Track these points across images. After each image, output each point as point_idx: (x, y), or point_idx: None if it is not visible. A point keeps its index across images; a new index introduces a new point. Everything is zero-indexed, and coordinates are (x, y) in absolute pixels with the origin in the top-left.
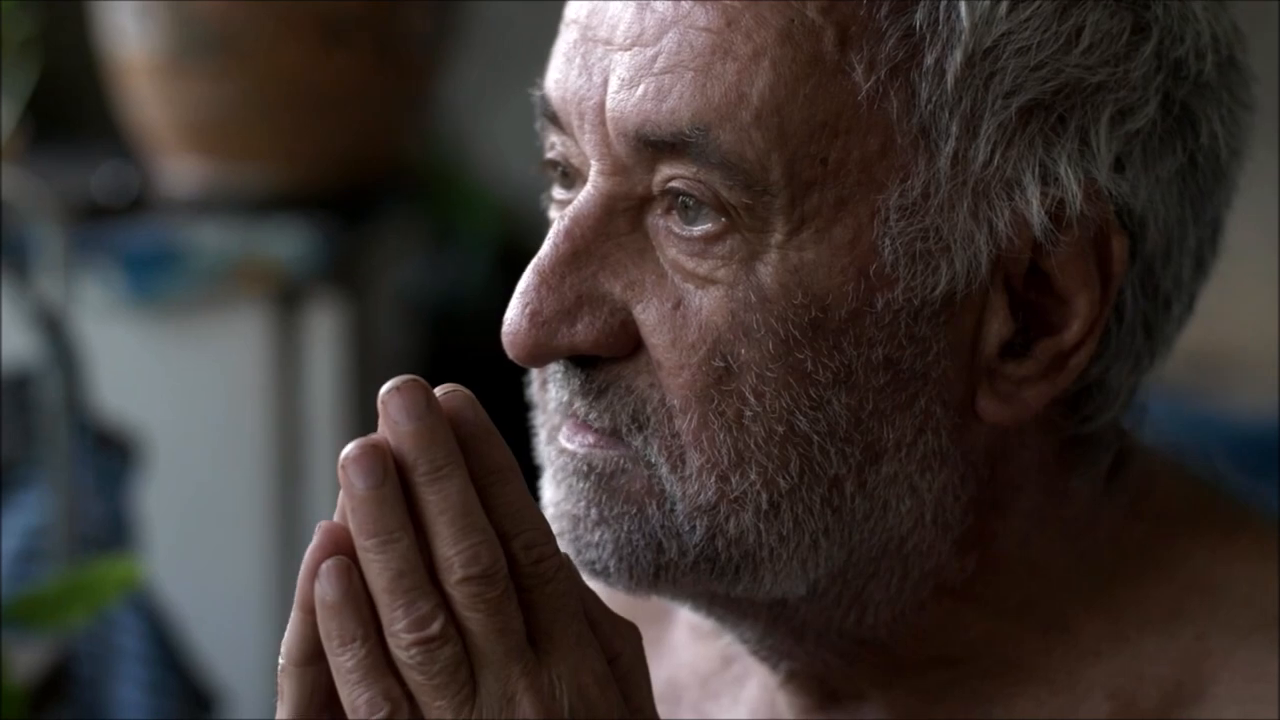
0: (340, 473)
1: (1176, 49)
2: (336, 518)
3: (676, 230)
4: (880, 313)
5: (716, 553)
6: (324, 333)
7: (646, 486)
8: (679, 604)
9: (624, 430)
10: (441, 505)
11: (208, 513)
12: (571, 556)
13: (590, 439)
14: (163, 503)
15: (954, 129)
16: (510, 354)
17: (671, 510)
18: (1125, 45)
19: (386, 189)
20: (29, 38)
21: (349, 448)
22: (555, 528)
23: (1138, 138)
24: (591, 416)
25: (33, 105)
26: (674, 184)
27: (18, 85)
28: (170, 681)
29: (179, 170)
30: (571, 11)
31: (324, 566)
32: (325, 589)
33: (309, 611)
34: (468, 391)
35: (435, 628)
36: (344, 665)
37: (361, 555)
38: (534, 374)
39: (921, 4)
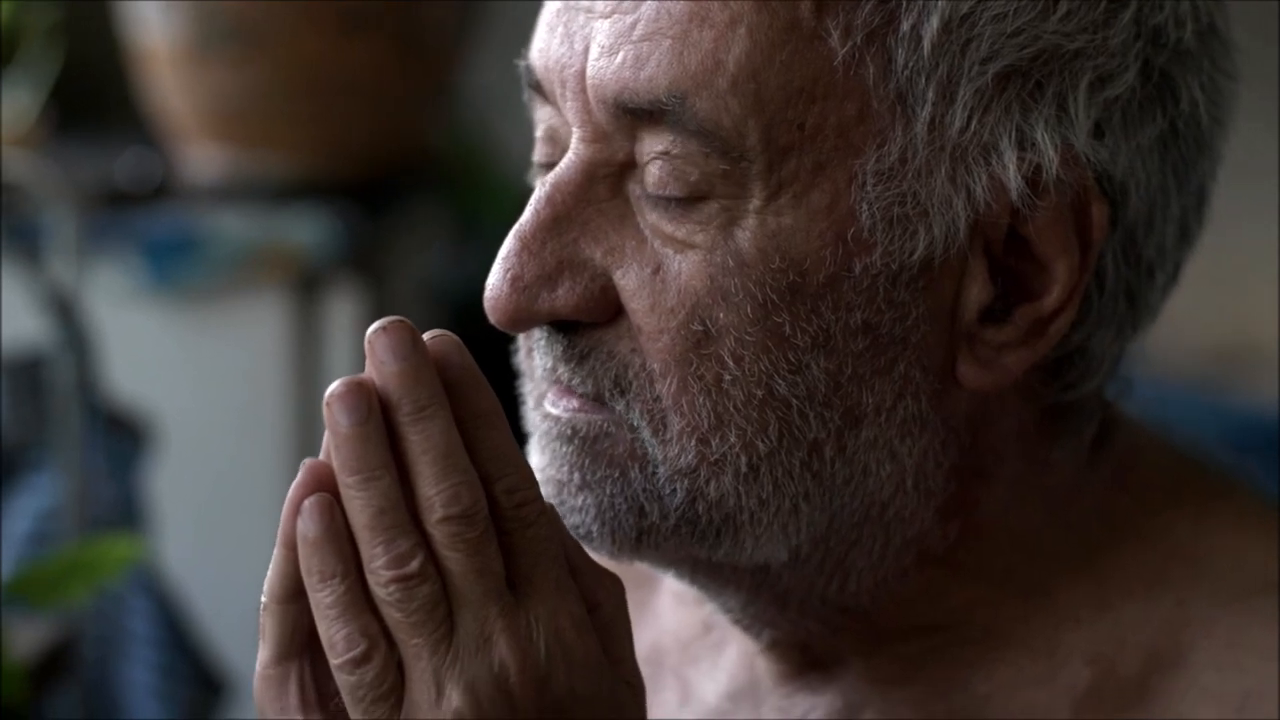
0: (325, 409)
1: (1155, 16)
2: (322, 456)
3: (656, 195)
4: (858, 277)
5: (697, 515)
6: (343, 320)
7: (629, 450)
8: (663, 571)
9: (606, 395)
10: (424, 445)
11: (226, 499)
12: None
13: (574, 404)
14: (181, 488)
15: (930, 95)
16: (492, 319)
17: (653, 473)
18: (1104, 12)
19: (407, 177)
20: (54, 26)
21: (335, 385)
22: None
23: (1117, 104)
24: (575, 382)
25: (57, 93)
26: (652, 155)
27: (43, 73)
28: (180, 665)
29: (201, 158)
30: None
31: (306, 503)
32: (307, 525)
33: (291, 548)
34: (455, 337)
35: (414, 565)
36: (323, 601)
37: (344, 492)
38: (520, 342)
39: None
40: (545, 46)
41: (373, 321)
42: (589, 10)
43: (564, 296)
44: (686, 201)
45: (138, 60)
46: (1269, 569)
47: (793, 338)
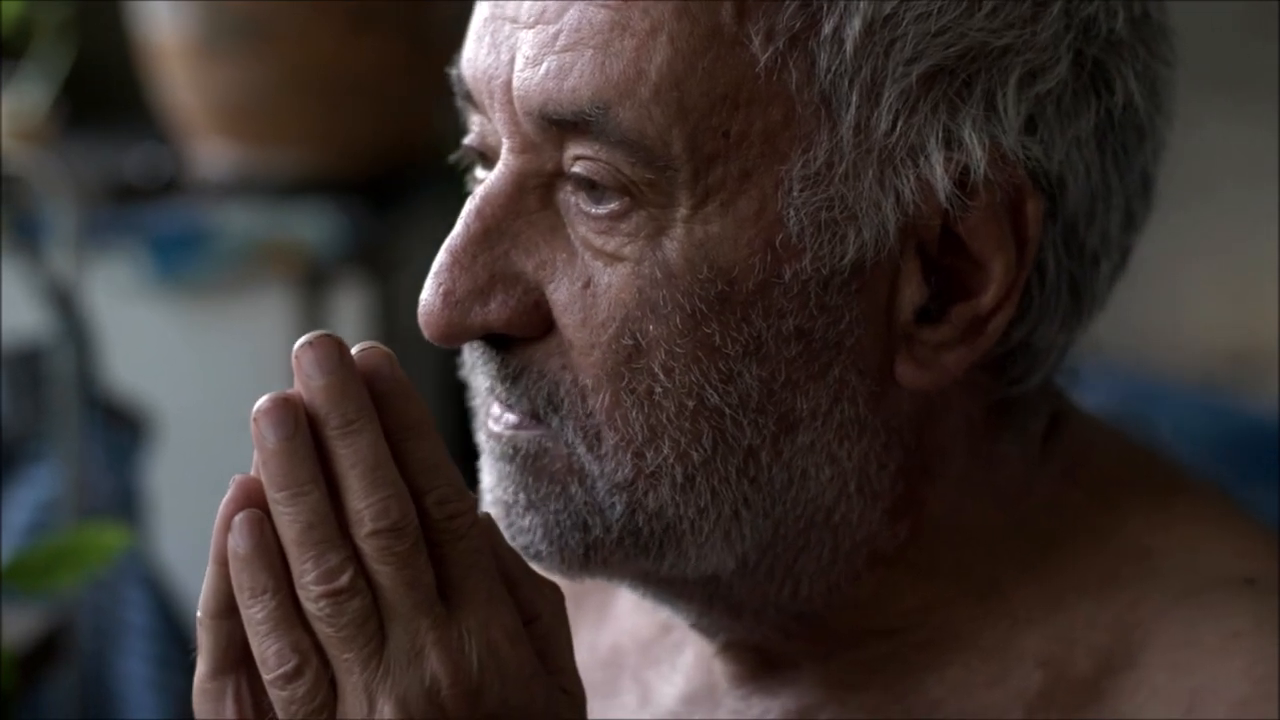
0: (253, 425)
1: (1086, 7)
2: (253, 471)
3: (584, 208)
4: (789, 283)
5: (638, 528)
6: (349, 316)
7: (567, 465)
8: (618, 585)
9: (541, 412)
10: (352, 459)
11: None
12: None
13: (513, 419)
14: (184, 482)
15: (855, 97)
16: (426, 334)
17: (593, 488)
18: (1031, 6)
19: (414, 174)
20: (65, 22)
21: (261, 400)
22: (491, 514)
23: (1049, 98)
24: (511, 400)
25: (68, 88)
26: (577, 167)
27: (54, 68)
28: (175, 656)
29: (210, 153)
30: None
31: (236, 519)
32: (237, 541)
33: (223, 564)
34: (385, 349)
35: (344, 580)
36: (255, 617)
37: (273, 508)
38: (465, 356)
39: None
40: (473, 56)
41: (379, 317)
42: (514, 20)
43: (496, 310)
44: (614, 213)
45: (148, 56)
46: (1222, 564)
47: (723, 347)
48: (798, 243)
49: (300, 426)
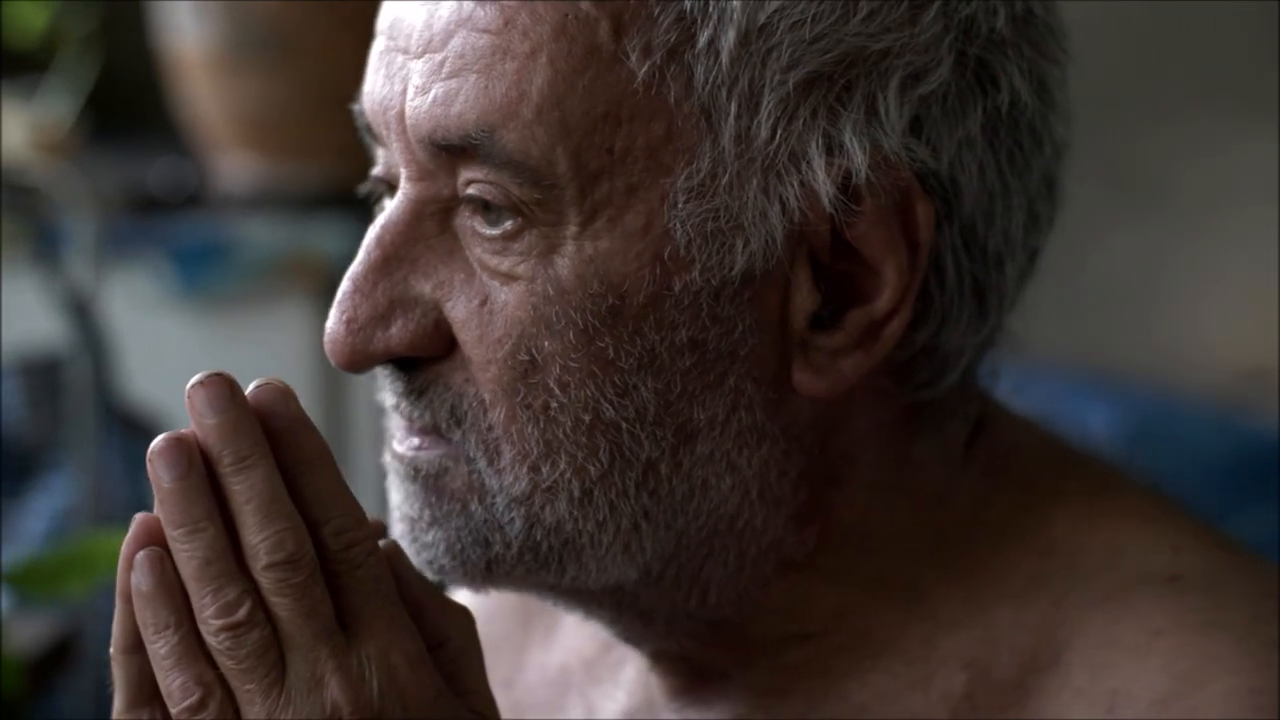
0: (148, 465)
1: (964, 8)
2: (156, 509)
3: (480, 230)
4: (679, 295)
5: (537, 543)
6: None
7: (467, 483)
8: (525, 595)
9: (444, 426)
10: (247, 494)
11: None
12: (412, 558)
13: (416, 441)
14: None
15: (734, 107)
16: (332, 361)
17: (492, 504)
18: (908, 9)
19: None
20: (90, 34)
21: (156, 441)
22: (397, 531)
23: (934, 98)
24: (415, 414)
25: (92, 100)
26: (471, 189)
27: (79, 81)
28: None
29: (233, 166)
30: (380, 22)
31: (138, 557)
32: (139, 578)
33: (128, 601)
34: (283, 384)
35: (242, 613)
36: (159, 652)
37: (171, 545)
38: (379, 383)
39: None
40: (371, 89)
41: None
42: (405, 51)
43: (397, 334)
44: (507, 233)
45: (172, 68)
46: (1146, 562)
47: (618, 360)
48: (686, 255)
49: (194, 465)
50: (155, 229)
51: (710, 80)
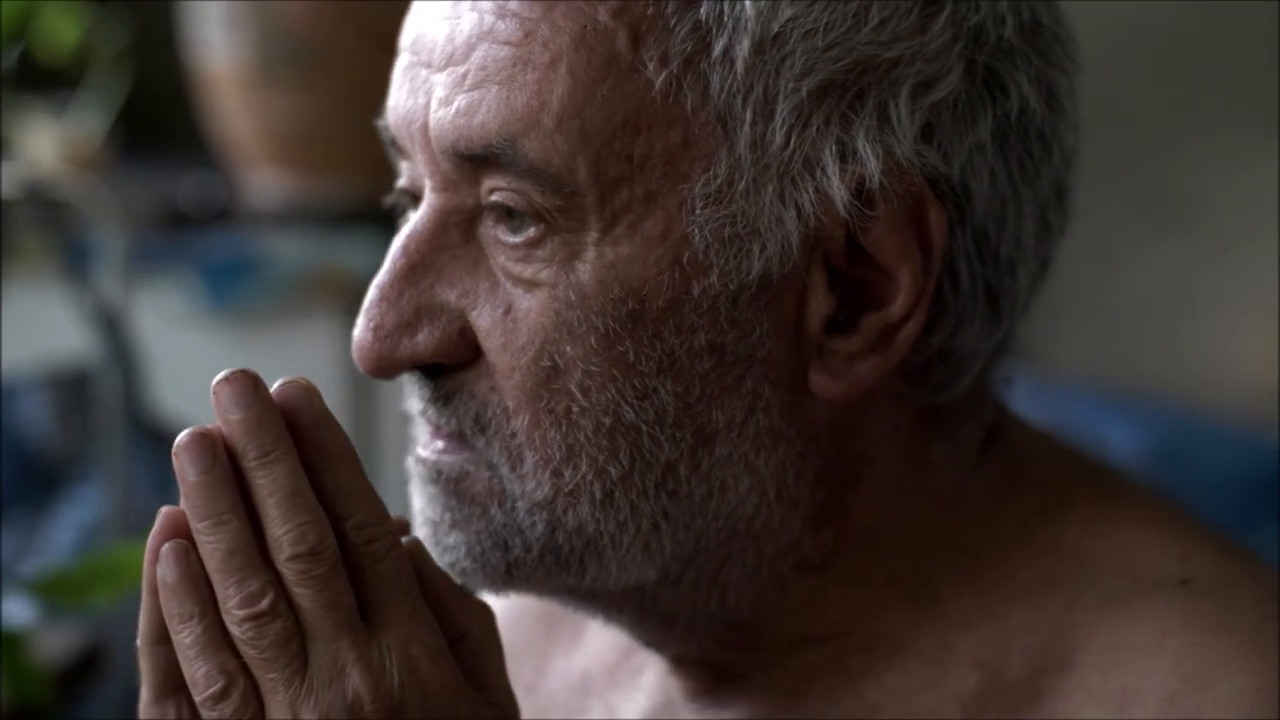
0: (174, 460)
1: (973, 17)
2: (182, 502)
3: (503, 238)
4: (698, 299)
5: (558, 545)
6: None
7: (488, 488)
8: (547, 600)
9: (468, 433)
10: (271, 488)
11: None
12: (436, 560)
13: (440, 445)
14: None
15: (749, 115)
16: (360, 368)
17: (513, 509)
18: (918, 18)
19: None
20: (121, 50)
21: (181, 436)
22: (420, 534)
23: (944, 105)
24: (441, 421)
25: (123, 116)
26: (494, 197)
27: (110, 97)
28: None
29: (262, 181)
30: (403, 38)
31: (163, 549)
32: (165, 570)
33: (154, 593)
34: (307, 382)
35: (265, 604)
36: (184, 642)
37: (196, 537)
38: (405, 389)
39: None
40: (395, 103)
41: None
42: (428, 65)
43: (423, 341)
44: (530, 240)
45: (202, 84)
46: (1157, 566)
47: (638, 364)
48: (704, 259)
49: (219, 459)
50: (185, 244)
51: (726, 88)
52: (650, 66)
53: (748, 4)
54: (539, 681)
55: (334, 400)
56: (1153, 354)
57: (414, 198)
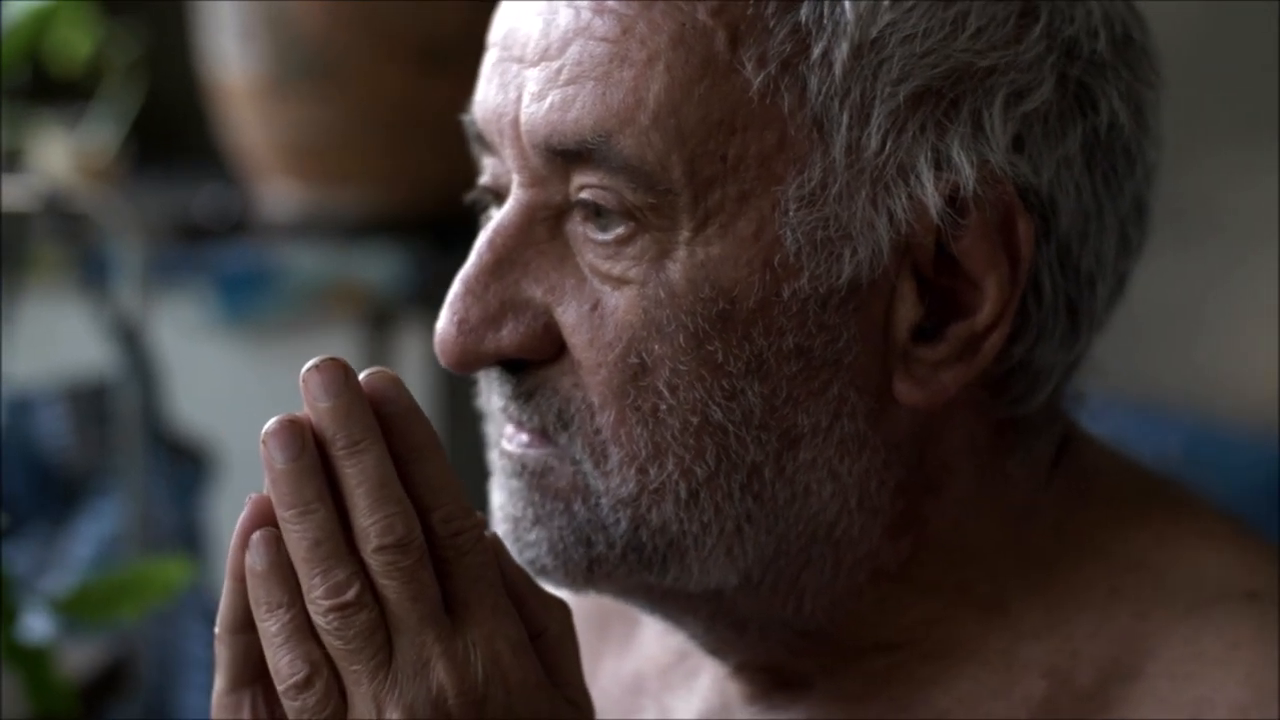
0: (261, 447)
1: (1067, 28)
2: (268, 490)
3: (592, 235)
4: (787, 302)
5: (642, 543)
6: (414, 356)
7: (572, 483)
8: (623, 601)
9: (551, 429)
10: (359, 478)
11: None
12: (515, 557)
13: (525, 438)
14: None
15: (845, 118)
16: (442, 362)
17: (596, 505)
18: (1014, 28)
19: (480, 215)
20: (134, 62)
21: (270, 422)
22: (499, 530)
23: (1035, 117)
24: (523, 418)
25: (137, 127)
26: (584, 194)
27: (124, 108)
28: None
29: (278, 193)
30: (492, 34)
31: (254, 537)
32: (254, 558)
33: (240, 581)
34: (392, 373)
35: (351, 594)
36: (269, 630)
37: (282, 525)
38: (481, 385)
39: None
40: (484, 98)
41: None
42: (520, 60)
43: (508, 336)
44: (620, 238)
45: (216, 96)
46: (1225, 580)
47: (726, 364)
48: (795, 262)
49: (307, 447)
50: (200, 257)
51: (823, 91)
52: (748, 67)
53: (848, 7)
54: (591, 681)
55: None
56: (1166, 363)
57: (496, 194)
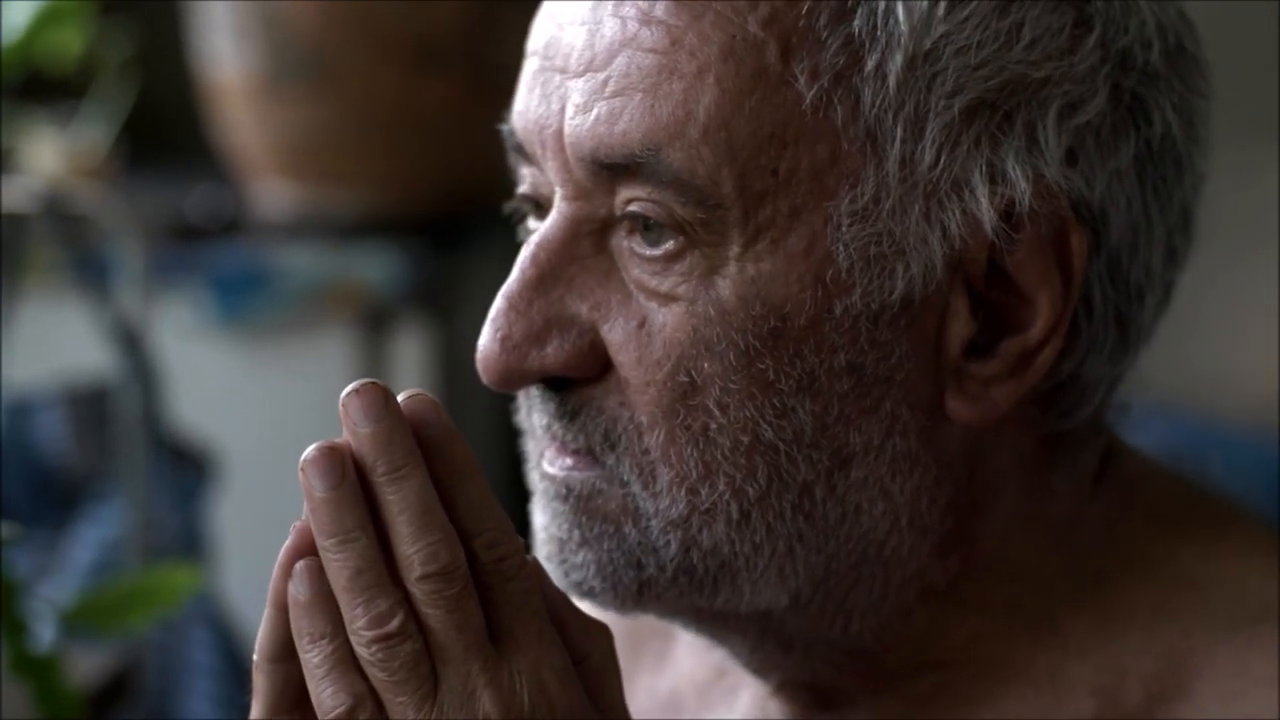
0: (300, 475)
1: (1121, 39)
2: (307, 518)
3: (639, 250)
4: (839, 318)
5: (693, 565)
6: (410, 356)
7: (621, 505)
8: (669, 621)
9: (597, 450)
10: (401, 504)
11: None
12: (558, 579)
13: (569, 461)
14: (245, 521)
15: (899, 132)
16: (484, 379)
17: (646, 527)
18: (1068, 39)
19: (476, 215)
20: (127, 60)
21: (309, 450)
22: (543, 552)
23: (1088, 129)
24: (568, 438)
25: (129, 127)
26: (632, 207)
27: (116, 107)
28: (239, 697)
29: (272, 193)
30: (532, 42)
31: (298, 566)
32: (298, 587)
33: (282, 609)
34: (431, 396)
35: (394, 624)
36: (312, 661)
37: (323, 554)
38: (520, 401)
39: (860, 10)
40: (524, 108)
41: (440, 358)
42: (563, 70)
43: (553, 354)
44: (668, 254)
45: (210, 95)
46: (1270, 596)
47: (777, 382)
48: (847, 278)
49: (347, 475)
50: (194, 257)
51: (877, 104)
52: (801, 79)
53: (901, 19)
54: (628, 700)
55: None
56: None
57: (536, 204)
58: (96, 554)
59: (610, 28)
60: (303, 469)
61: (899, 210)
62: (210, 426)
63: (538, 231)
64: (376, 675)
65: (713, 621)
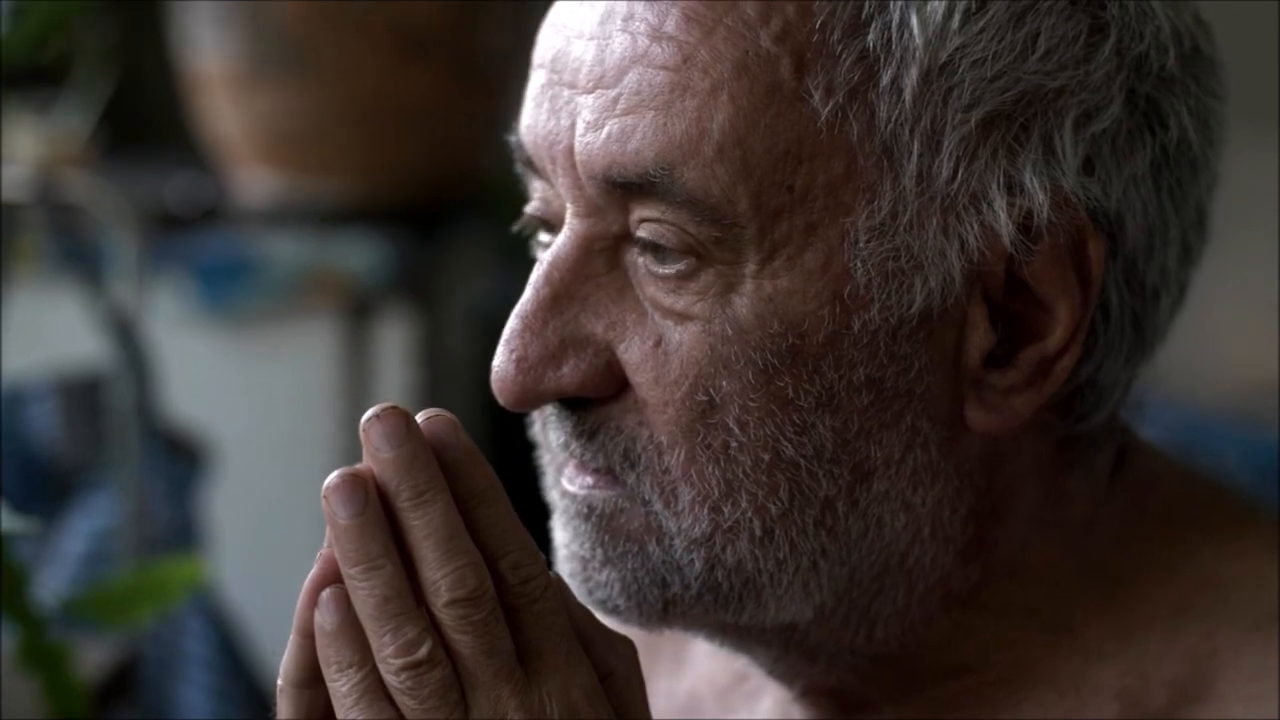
0: (323, 503)
1: (1136, 45)
2: (326, 545)
3: (652, 268)
4: (858, 334)
5: (718, 583)
6: (394, 345)
7: (645, 524)
8: (694, 635)
9: (618, 469)
10: (426, 530)
11: (277, 520)
12: (582, 596)
13: (589, 480)
14: (232, 510)
15: (916, 146)
16: (500, 400)
17: (670, 545)
18: (1083, 47)
19: (460, 203)
20: (107, 48)
21: (331, 477)
22: (565, 569)
23: (1105, 137)
24: (586, 457)
25: (110, 115)
26: (641, 231)
27: (95, 95)
28: (234, 687)
29: (253, 181)
30: (538, 54)
31: (324, 595)
32: (324, 616)
33: (307, 636)
34: (451, 416)
35: (423, 651)
36: (340, 690)
37: (348, 582)
38: (534, 416)
39: (874, 24)
40: (533, 122)
41: (423, 345)
42: (571, 86)
43: (569, 374)
44: (683, 273)
45: (192, 83)
46: None
47: (797, 399)
48: (865, 294)
49: (370, 501)
50: (176, 246)
51: (893, 119)
52: (815, 95)
53: (916, 32)
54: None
55: (331, 403)
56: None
57: (544, 222)
58: (89, 545)
59: (620, 43)
60: (325, 496)
61: (916, 224)
62: (195, 413)
63: (550, 250)
64: (406, 703)
65: (737, 634)
